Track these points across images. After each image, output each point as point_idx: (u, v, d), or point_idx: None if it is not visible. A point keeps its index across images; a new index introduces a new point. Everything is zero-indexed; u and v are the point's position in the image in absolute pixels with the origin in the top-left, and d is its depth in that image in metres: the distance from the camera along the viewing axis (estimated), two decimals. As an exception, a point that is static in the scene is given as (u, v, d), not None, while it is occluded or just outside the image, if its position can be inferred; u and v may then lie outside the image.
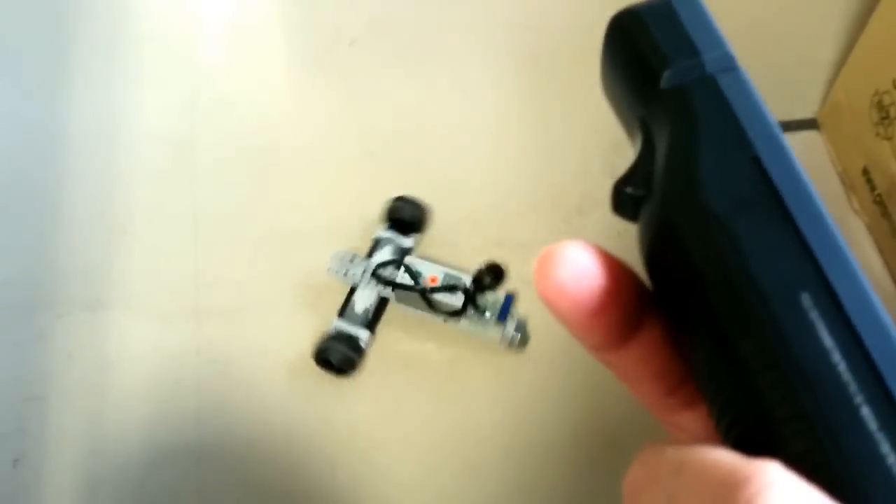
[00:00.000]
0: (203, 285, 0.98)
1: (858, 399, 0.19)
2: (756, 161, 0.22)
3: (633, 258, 0.90)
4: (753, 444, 0.20)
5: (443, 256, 0.99)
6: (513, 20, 1.17)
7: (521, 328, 0.89)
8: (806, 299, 0.20)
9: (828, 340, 0.19)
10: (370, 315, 0.91)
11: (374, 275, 0.90)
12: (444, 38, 1.17)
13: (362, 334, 0.90)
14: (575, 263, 0.22)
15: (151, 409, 0.90)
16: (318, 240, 0.99)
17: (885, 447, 0.18)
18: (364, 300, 0.91)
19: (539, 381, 0.91)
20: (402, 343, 0.94)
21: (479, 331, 0.90)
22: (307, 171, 1.06)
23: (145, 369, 0.93)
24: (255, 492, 0.85)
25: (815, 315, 0.20)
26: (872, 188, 0.96)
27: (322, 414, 0.90)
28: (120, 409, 0.90)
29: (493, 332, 0.89)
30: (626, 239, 1.04)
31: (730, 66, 0.23)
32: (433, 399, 0.90)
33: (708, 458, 0.18)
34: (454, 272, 0.90)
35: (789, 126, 1.08)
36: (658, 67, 0.24)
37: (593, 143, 1.07)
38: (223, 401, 0.90)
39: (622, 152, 1.09)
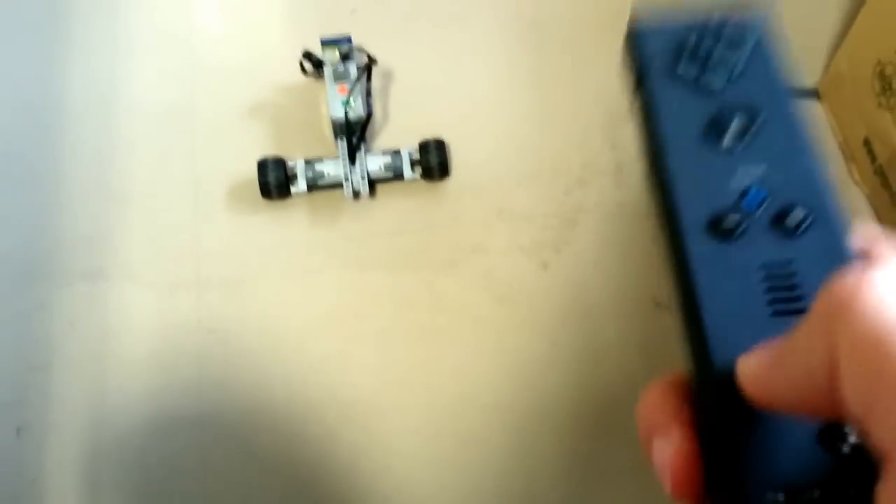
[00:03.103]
0: (203, 254, 0.98)
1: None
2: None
3: (632, 230, 0.91)
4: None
5: (444, 227, 0.99)
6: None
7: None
8: None
9: None
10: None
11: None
12: (445, 7, 1.16)
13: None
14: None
15: (153, 378, 0.91)
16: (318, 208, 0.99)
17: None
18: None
19: (539, 351, 0.91)
20: (405, 313, 0.94)
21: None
22: (307, 139, 1.06)
23: (147, 339, 0.93)
24: (256, 460, 0.86)
25: None
26: (873, 159, 0.96)
27: (324, 383, 0.90)
28: (122, 378, 0.91)
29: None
30: (626, 209, 1.04)
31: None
32: (433, 369, 0.91)
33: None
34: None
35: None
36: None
37: (594, 114, 1.06)
38: (224, 370, 0.91)
39: (623, 124, 1.10)
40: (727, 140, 0.29)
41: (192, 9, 1.17)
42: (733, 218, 0.28)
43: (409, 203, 1.01)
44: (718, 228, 0.28)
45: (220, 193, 1.02)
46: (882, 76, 0.91)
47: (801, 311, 0.27)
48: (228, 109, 1.08)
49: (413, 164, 1.01)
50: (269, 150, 1.03)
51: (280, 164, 0.99)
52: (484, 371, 0.91)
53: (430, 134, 1.02)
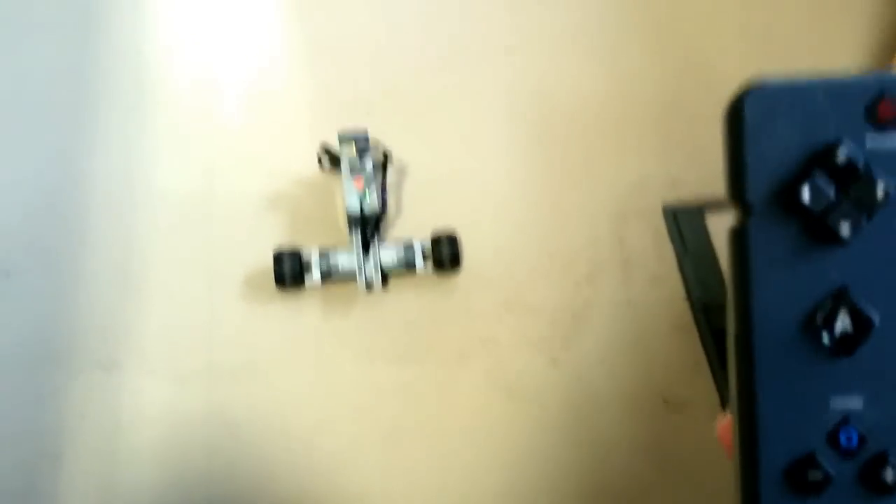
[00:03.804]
0: (217, 345, 0.99)
1: None
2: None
3: (641, 327, 0.93)
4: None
5: (454, 320, 1.01)
6: (523, 91, 1.20)
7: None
8: None
9: None
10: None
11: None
12: (457, 107, 1.20)
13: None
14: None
15: (162, 471, 0.91)
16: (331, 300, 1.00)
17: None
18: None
19: (547, 448, 0.91)
20: (414, 407, 0.95)
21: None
22: (322, 230, 1.08)
23: (157, 429, 0.93)
24: (262, 555, 0.85)
25: None
26: None
27: (332, 477, 0.90)
28: (132, 468, 0.91)
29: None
30: (634, 306, 1.05)
31: None
32: (441, 464, 0.91)
33: None
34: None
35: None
36: None
37: (602, 212, 1.09)
38: (233, 462, 0.91)
39: (629, 221, 1.12)
40: (828, 339, 0.23)
41: (213, 103, 1.21)
42: (817, 473, 0.23)
43: (421, 295, 1.03)
44: (799, 480, 0.23)
45: (235, 283, 1.04)
46: None
47: None
48: (246, 201, 1.11)
49: (425, 256, 1.03)
50: (284, 241, 1.05)
51: (295, 254, 1.01)
52: (492, 467, 0.90)
53: (442, 227, 1.04)
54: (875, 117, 0.23)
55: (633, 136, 1.16)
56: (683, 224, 1.07)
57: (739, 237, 0.24)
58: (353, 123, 1.18)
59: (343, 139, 1.08)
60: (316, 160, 1.09)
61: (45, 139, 1.17)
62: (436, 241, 1.03)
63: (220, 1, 1.30)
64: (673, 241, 1.06)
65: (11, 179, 1.13)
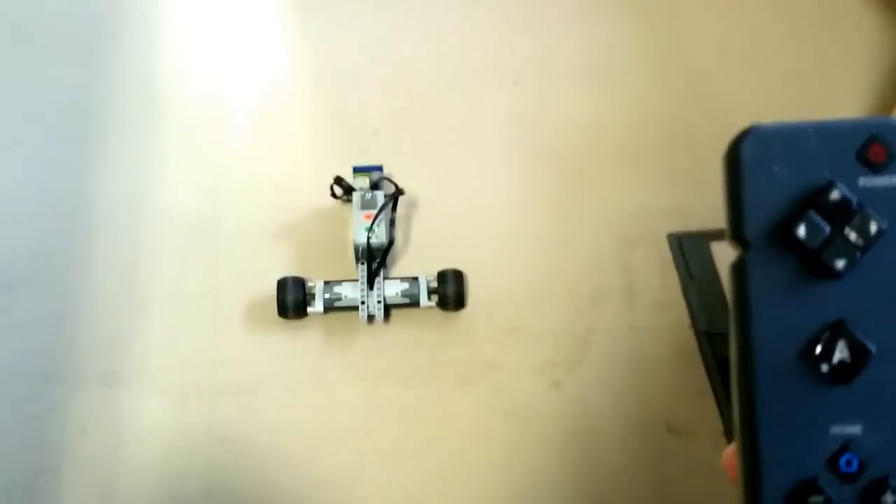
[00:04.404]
0: (219, 363, 0.99)
1: None
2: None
3: (644, 353, 0.92)
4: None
5: (457, 343, 1.00)
6: (528, 117, 1.21)
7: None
8: None
9: None
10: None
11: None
12: (463, 132, 1.21)
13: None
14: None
15: (162, 487, 0.90)
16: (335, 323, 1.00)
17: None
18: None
19: (548, 472, 0.90)
20: (416, 429, 0.94)
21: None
22: (328, 260, 1.08)
23: (157, 446, 0.93)
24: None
25: None
26: None
27: (333, 499, 0.89)
28: (130, 485, 0.90)
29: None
30: (638, 332, 1.05)
31: None
32: (443, 487, 0.90)
33: None
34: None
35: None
36: None
37: (606, 237, 1.09)
38: (234, 481, 0.90)
39: (634, 248, 1.12)
40: (827, 368, 0.25)
41: (223, 126, 1.22)
42: (819, 497, 0.24)
43: (423, 331, 1.02)
44: None
45: (239, 306, 1.04)
46: None
47: None
48: (253, 225, 1.11)
49: (430, 292, 1.02)
50: (290, 268, 1.05)
51: (299, 283, 1.01)
52: (493, 490, 0.90)
53: (447, 258, 1.04)
54: (867, 159, 0.24)
55: (638, 163, 1.17)
56: (688, 251, 1.07)
57: (739, 272, 0.25)
58: (360, 146, 1.19)
59: (358, 171, 1.08)
60: (328, 188, 1.09)
61: (52, 155, 1.18)
62: (441, 277, 1.02)
63: (230, 25, 1.32)
64: (678, 267, 1.06)
65: (18, 193, 1.14)
